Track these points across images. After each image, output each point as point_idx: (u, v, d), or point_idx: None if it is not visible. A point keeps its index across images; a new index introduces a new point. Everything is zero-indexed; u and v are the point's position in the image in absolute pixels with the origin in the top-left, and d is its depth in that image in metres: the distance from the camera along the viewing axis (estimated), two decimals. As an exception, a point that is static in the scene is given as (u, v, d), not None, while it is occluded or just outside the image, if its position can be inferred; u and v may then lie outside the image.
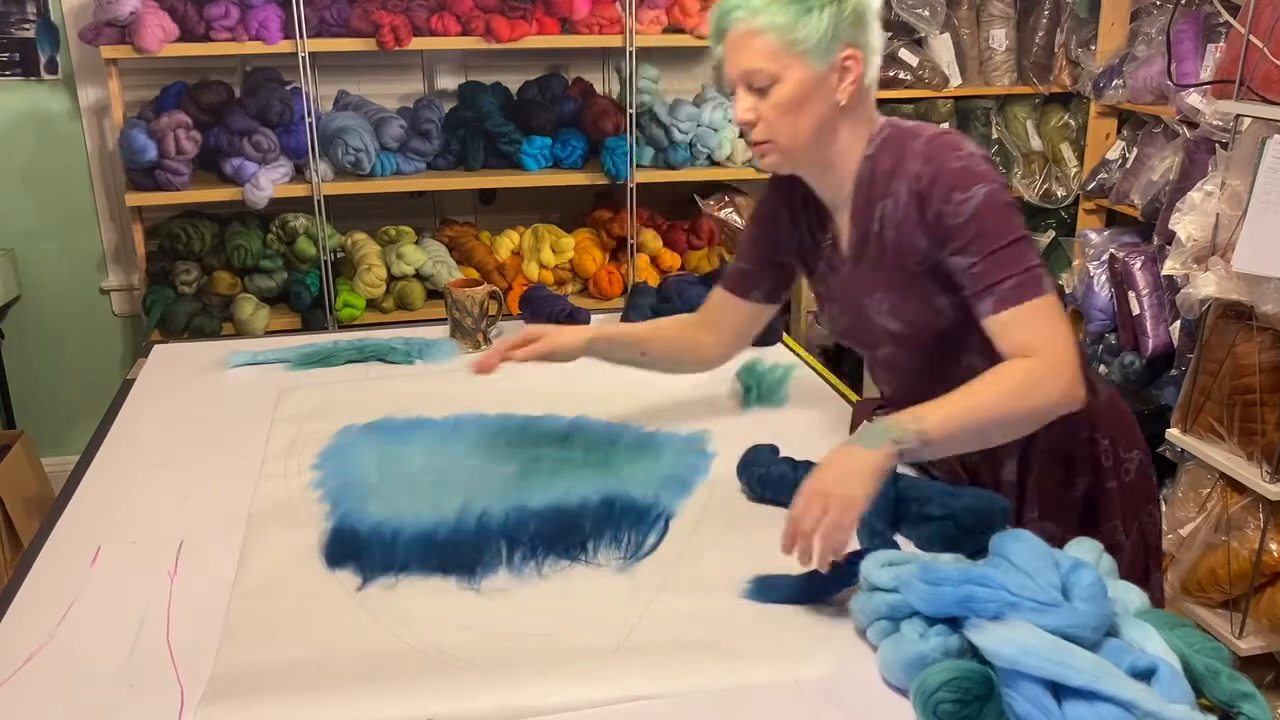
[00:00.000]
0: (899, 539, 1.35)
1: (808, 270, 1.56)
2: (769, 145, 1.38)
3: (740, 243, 1.63)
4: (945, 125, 1.42)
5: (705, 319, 1.65)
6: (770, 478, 1.44)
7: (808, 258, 1.54)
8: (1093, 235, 3.28)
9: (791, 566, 1.21)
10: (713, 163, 3.26)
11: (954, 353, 1.40)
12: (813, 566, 1.18)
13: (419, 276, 3.09)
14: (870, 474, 1.19)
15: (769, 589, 1.24)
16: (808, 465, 1.44)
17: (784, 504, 1.42)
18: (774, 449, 1.50)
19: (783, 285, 1.62)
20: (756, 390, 1.81)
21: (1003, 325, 1.29)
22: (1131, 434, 1.54)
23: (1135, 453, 1.54)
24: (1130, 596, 1.11)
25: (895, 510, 1.36)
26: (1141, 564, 1.53)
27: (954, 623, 1.06)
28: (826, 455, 1.24)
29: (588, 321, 2.12)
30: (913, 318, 1.41)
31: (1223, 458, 2.30)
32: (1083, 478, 1.50)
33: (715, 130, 3.19)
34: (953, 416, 1.25)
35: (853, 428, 1.61)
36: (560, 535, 1.36)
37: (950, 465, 1.54)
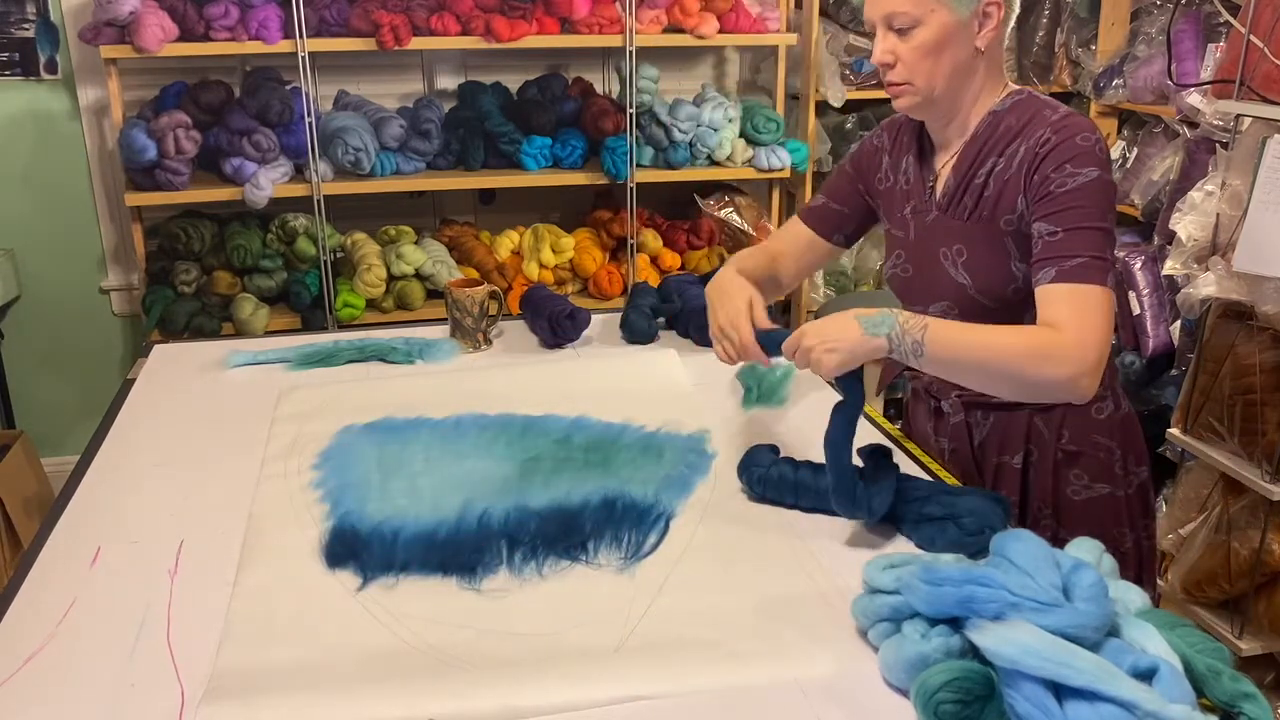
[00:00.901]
0: (896, 539, 1.36)
1: (889, 214, 1.58)
2: (906, 87, 1.40)
3: (833, 181, 1.65)
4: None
5: (784, 249, 1.68)
6: (770, 478, 1.44)
7: (896, 201, 1.56)
8: (1093, 235, 3.28)
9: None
10: (713, 162, 3.26)
11: (1010, 318, 1.42)
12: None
13: (419, 276, 3.09)
14: (852, 353, 1.27)
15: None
16: (808, 465, 1.44)
17: (784, 504, 1.43)
18: (774, 449, 1.50)
19: (862, 231, 1.66)
20: (756, 390, 1.81)
21: (1051, 295, 1.29)
22: (1140, 451, 1.58)
23: (1142, 469, 1.58)
24: (1131, 596, 1.11)
25: (894, 506, 1.36)
26: (1134, 577, 1.55)
27: (955, 623, 1.06)
28: (832, 314, 1.31)
29: (588, 321, 2.11)
30: (986, 274, 1.43)
31: (1223, 458, 2.30)
32: (1094, 484, 1.53)
33: (715, 130, 3.19)
34: (957, 342, 1.27)
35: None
36: (560, 535, 1.36)
37: (960, 446, 1.57)
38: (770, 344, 1.40)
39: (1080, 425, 1.50)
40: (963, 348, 1.27)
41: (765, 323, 1.42)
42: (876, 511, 1.35)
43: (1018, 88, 1.46)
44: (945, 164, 1.48)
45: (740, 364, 1.67)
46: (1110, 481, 1.53)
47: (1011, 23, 1.42)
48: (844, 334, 1.27)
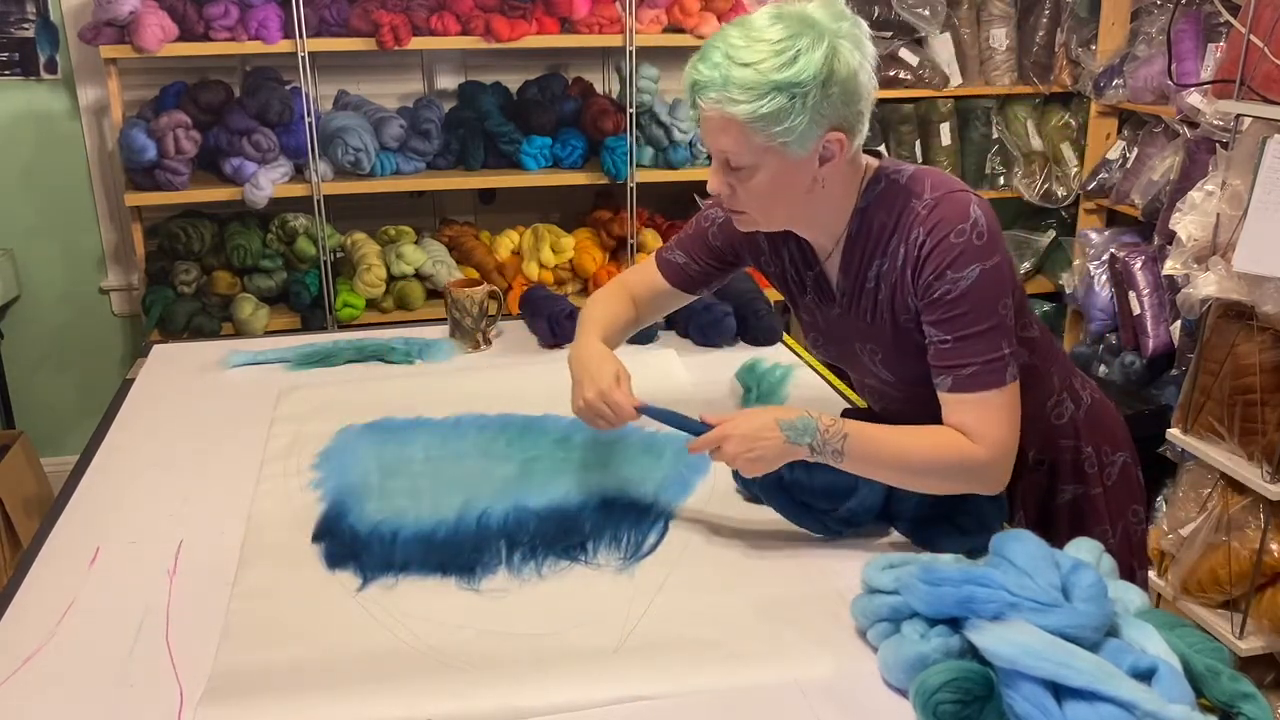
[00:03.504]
0: (896, 539, 1.35)
1: (789, 296, 1.51)
2: (744, 216, 1.34)
3: (694, 244, 1.54)
4: (936, 173, 1.38)
5: (642, 295, 1.60)
6: (767, 479, 1.43)
7: (791, 287, 1.49)
8: (1093, 235, 3.29)
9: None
10: (713, 162, 3.25)
11: None
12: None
13: (419, 276, 3.09)
14: (775, 461, 1.29)
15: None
16: (802, 464, 1.43)
17: (776, 505, 1.42)
18: None
19: (729, 279, 1.60)
20: (756, 390, 1.81)
21: (953, 404, 1.30)
22: (1115, 437, 1.54)
23: (1120, 455, 1.54)
24: (1130, 596, 1.11)
25: (888, 506, 1.37)
26: (1126, 564, 1.54)
27: (954, 623, 1.06)
28: (755, 410, 1.31)
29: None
30: (904, 370, 1.41)
31: (1223, 458, 2.30)
32: (1068, 486, 1.51)
33: (715, 130, 3.18)
34: (876, 453, 1.29)
35: None
36: (560, 535, 1.36)
37: None
38: (674, 424, 1.37)
39: (1043, 435, 1.47)
40: (880, 459, 1.29)
41: (633, 398, 1.39)
42: (861, 522, 1.36)
43: (875, 168, 1.35)
44: (829, 260, 1.40)
45: (740, 365, 1.67)
46: (1083, 481, 1.50)
47: (859, 143, 1.28)
48: (766, 442, 1.27)
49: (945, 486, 1.31)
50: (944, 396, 1.30)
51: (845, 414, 1.49)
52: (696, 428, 1.33)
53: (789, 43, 1.18)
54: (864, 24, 1.25)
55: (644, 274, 1.60)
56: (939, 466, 1.28)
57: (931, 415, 1.32)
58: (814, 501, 1.35)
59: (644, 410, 1.38)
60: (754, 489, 1.44)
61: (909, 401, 1.42)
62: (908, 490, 1.35)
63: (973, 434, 1.28)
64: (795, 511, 1.36)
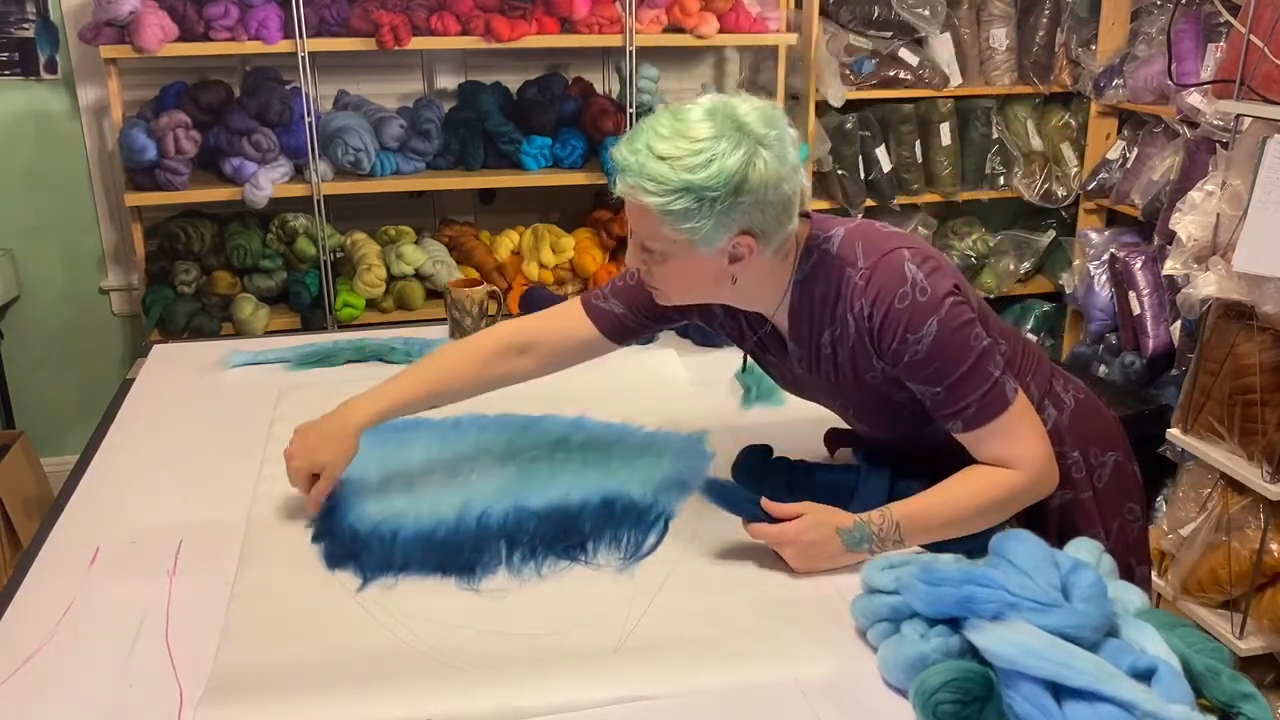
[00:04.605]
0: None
1: (753, 355, 1.50)
2: (660, 293, 1.34)
3: (630, 294, 1.46)
4: (864, 232, 1.34)
5: (539, 343, 1.51)
6: (774, 484, 1.43)
7: (751, 346, 1.47)
8: (1093, 235, 3.29)
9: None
10: (713, 162, 3.25)
11: (920, 423, 1.38)
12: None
13: (419, 276, 3.09)
14: (833, 565, 1.29)
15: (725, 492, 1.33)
16: (803, 465, 1.44)
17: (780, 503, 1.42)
18: (768, 449, 1.50)
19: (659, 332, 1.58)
20: (756, 390, 1.81)
21: (973, 442, 1.32)
22: (1105, 437, 1.52)
23: (1110, 455, 1.52)
24: (1130, 596, 1.11)
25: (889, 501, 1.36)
26: (1124, 562, 1.53)
27: (954, 623, 1.06)
28: (816, 518, 1.28)
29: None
30: (877, 421, 1.42)
31: (1223, 458, 2.30)
32: (1055, 493, 1.49)
33: (715, 130, 3.18)
34: (929, 523, 1.31)
35: (830, 451, 1.60)
36: (560, 536, 1.36)
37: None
38: (737, 509, 1.33)
39: None
40: (937, 527, 1.31)
41: (323, 491, 1.39)
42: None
43: (805, 238, 1.33)
44: (779, 320, 1.38)
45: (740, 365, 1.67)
46: (1071, 487, 1.48)
47: (776, 245, 1.26)
48: (826, 553, 1.28)
49: (1006, 515, 1.34)
50: (962, 438, 1.32)
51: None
52: (757, 514, 1.30)
53: (709, 144, 1.18)
54: (792, 133, 1.26)
55: (560, 320, 1.52)
56: (991, 506, 1.31)
57: (912, 442, 1.34)
58: (815, 492, 1.36)
59: (709, 487, 1.35)
60: (757, 490, 1.44)
61: (892, 439, 1.43)
62: (908, 492, 1.35)
63: (1005, 462, 1.30)
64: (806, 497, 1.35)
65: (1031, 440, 1.31)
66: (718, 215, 1.20)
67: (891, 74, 3.34)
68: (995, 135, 3.58)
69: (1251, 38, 2.15)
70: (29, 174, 3.19)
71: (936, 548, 1.30)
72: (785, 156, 1.23)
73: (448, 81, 3.36)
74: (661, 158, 1.19)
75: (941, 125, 3.46)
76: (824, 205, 3.35)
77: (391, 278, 3.07)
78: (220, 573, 1.31)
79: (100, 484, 1.57)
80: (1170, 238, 2.41)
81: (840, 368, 1.35)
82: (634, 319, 1.48)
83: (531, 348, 1.51)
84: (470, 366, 1.51)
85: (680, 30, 3.14)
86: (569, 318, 1.51)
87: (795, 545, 1.28)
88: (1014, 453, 1.30)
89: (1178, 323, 2.84)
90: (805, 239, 1.34)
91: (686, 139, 1.19)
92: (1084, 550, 1.15)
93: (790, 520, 1.28)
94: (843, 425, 1.55)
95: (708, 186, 1.18)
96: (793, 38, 3.26)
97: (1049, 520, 1.50)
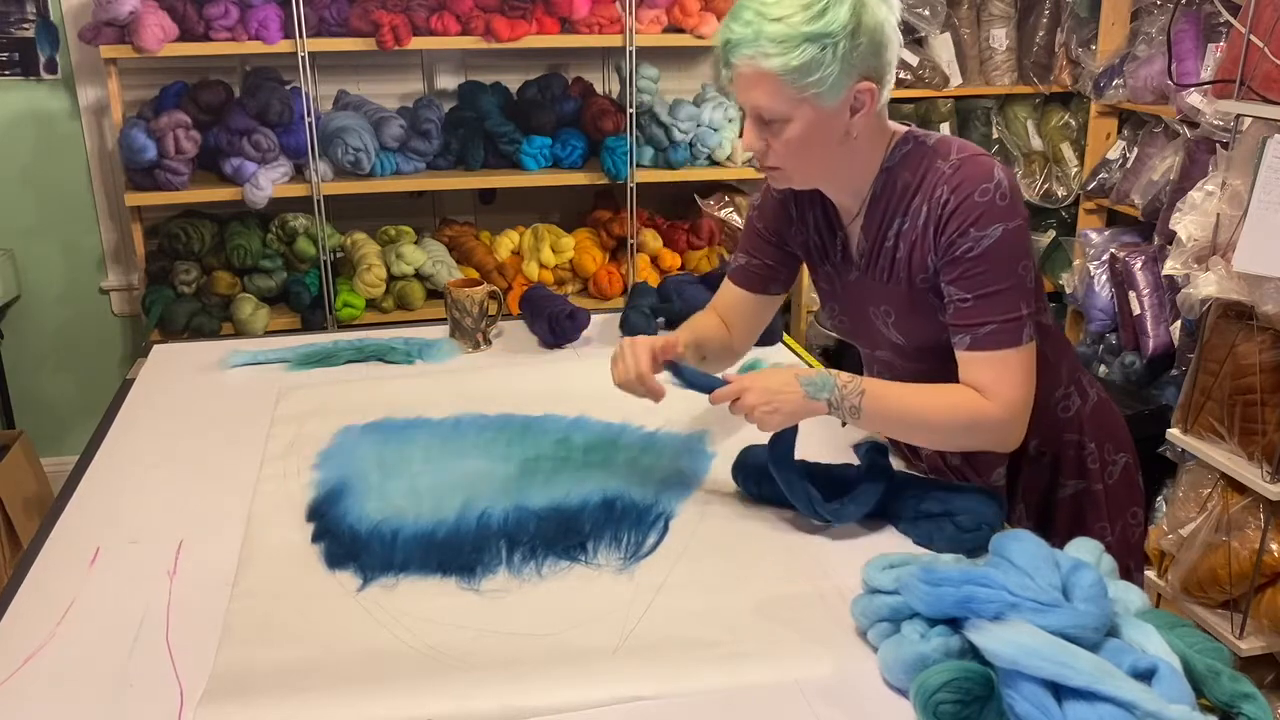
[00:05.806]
0: (896, 538, 1.35)
1: (811, 265, 1.55)
2: (779, 171, 1.37)
3: (746, 239, 1.58)
4: (961, 140, 1.39)
5: (724, 316, 1.61)
6: (780, 450, 1.43)
7: (813, 254, 1.53)
8: (1093, 235, 3.28)
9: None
10: (713, 162, 3.25)
11: (950, 362, 1.40)
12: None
13: (419, 276, 3.09)
14: (793, 415, 1.34)
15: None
16: (803, 464, 1.44)
17: (781, 503, 1.43)
18: (768, 447, 1.50)
19: (796, 271, 1.62)
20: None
21: (969, 362, 1.33)
22: (1118, 438, 1.55)
23: (1122, 455, 1.55)
24: (1131, 596, 1.11)
25: (888, 504, 1.37)
26: (1123, 565, 1.54)
27: (954, 623, 1.06)
28: (776, 368, 1.34)
29: (588, 321, 2.11)
30: (916, 332, 1.42)
31: (1223, 458, 2.30)
32: (1071, 481, 1.51)
33: (715, 130, 3.18)
34: (891, 409, 1.33)
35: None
36: (560, 535, 1.36)
37: (936, 467, 1.55)
38: (696, 383, 1.40)
39: (1048, 427, 1.48)
40: (896, 414, 1.34)
41: (663, 359, 1.42)
42: (849, 517, 1.36)
43: (903, 132, 1.39)
44: (853, 223, 1.44)
45: (740, 365, 1.67)
46: (1085, 477, 1.50)
47: (889, 91, 1.32)
48: (786, 396, 1.32)
49: (959, 443, 1.36)
50: (961, 355, 1.33)
51: None
52: (718, 384, 1.36)
53: None
54: None
55: (722, 291, 1.62)
56: (953, 423, 1.32)
57: (948, 369, 1.34)
58: (814, 485, 1.37)
59: (668, 366, 1.42)
60: (757, 490, 1.44)
61: (917, 376, 1.43)
62: (908, 490, 1.35)
63: (988, 392, 1.30)
64: (796, 487, 1.36)
65: (1019, 385, 1.31)
66: (840, 60, 1.24)
67: (891, 74, 3.34)
68: (995, 135, 3.59)
69: (1251, 38, 2.15)
70: (29, 174, 3.19)
71: (926, 541, 1.31)
72: None
73: (448, 81, 3.37)
74: (775, 19, 1.23)
75: (941, 125, 3.46)
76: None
77: (391, 278, 3.07)
78: (220, 573, 1.31)
79: (100, 484, 1.57)
80: (1170, 238, 2.41)
81: (897, 265, 1.38)
82: (756, 261, 1.56)
83: (722, 319, 1.62)
84: (708, 318, 1.61)
85: (680, 30, 3.14)
86: (724, 286, 1.62)
87: (753, 390, 1.32)
88: (999, 388, 1.31)
89: (1178, 323, 2.84)
90: (903, 133, 1.38)
91: None
92: (1084, 550, 1.15)
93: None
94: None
95: (828, 34, 1.22)
96: (793, 38, 3.26)
97: (1061, 509, 1.51)
